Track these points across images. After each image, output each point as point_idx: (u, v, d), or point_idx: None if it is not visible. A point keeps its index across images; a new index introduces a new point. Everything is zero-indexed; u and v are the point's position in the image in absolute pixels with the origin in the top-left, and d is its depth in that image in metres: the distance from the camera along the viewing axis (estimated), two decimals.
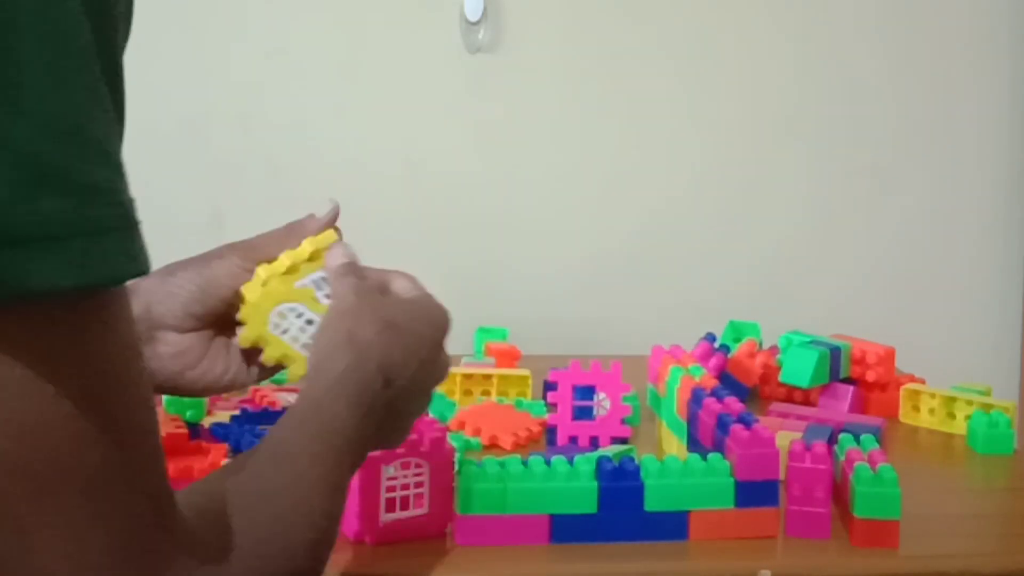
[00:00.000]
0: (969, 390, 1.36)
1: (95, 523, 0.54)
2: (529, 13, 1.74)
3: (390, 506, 0.97)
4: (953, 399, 1.34)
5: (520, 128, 1.77)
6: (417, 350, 0.78)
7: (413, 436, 0.97)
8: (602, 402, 1.23)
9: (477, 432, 1.24)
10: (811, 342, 1.39)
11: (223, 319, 0.85)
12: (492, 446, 1.23)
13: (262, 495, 0.66)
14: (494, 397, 1.34)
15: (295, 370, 0.83)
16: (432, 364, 0.80)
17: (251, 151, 1.73)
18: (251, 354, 0.85)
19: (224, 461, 1.09)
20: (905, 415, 1.37)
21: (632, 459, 1.02)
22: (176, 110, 1.69)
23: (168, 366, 0.83)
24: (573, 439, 1.23)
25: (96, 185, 0.51)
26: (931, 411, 1.35)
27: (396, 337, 0.76)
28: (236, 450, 1.15)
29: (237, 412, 1.25)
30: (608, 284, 1.79)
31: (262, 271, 0.84)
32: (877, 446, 1.08)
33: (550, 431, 1.24)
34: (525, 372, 1.38)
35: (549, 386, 1.27)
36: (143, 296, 0.81)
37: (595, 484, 0.99)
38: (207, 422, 1.22)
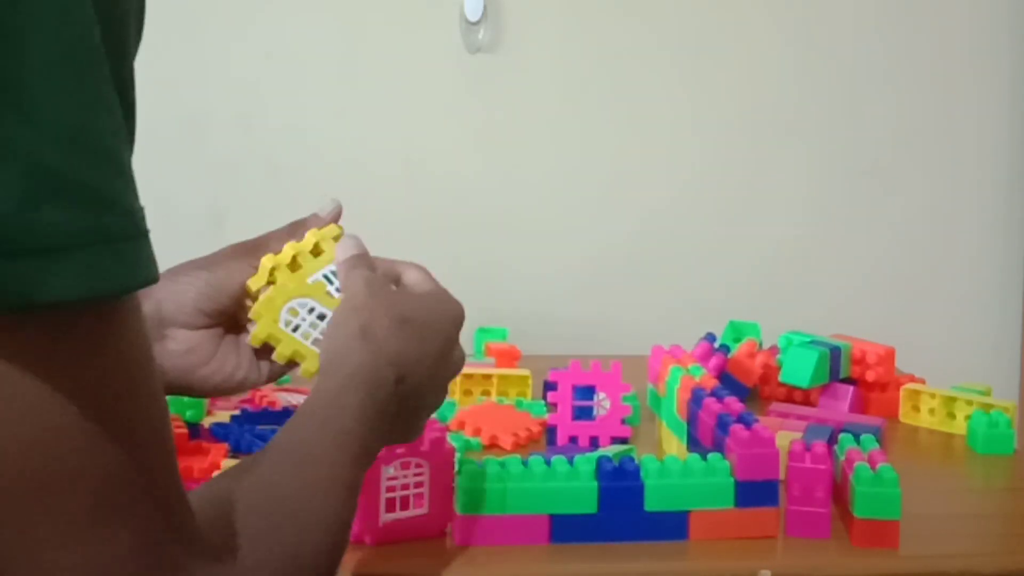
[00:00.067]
0: (969, 390, 1.36)
1: (108, 532, 0.53)
2: (529, 13, 1.74)
3: (390, 506, 0.97)
4: (953, 399, 1.34)
5: (520, 128, 1.77)
6: (431, 345, 0.78)
7: None
8: (602, 402, 1.23)
9: (477, 432, 1.24)
10: (811, 342, 1.39)
11: (233, 318, 0.85)
12: (492, 446, 1.23)
13: (278, 498, 0.65)
14: (494, 397, 1.34)
15: (307, 367, 0.83)
16: (446, 359, 0.80)
17: (251, 151, 1.73)
18: (262, 353, 0.85)
19: (224, 461, 1.09)
20: (905, 415, 1.37)
21: (632, 459, 1.02)
22: (176, 110, 1.68)
23: (178, 364, 0.83)
24: (573, 439, 1.23)
25: (106, 195, 0.51)
26: (931, 411, 1.35)
27: (410, 332, 0.76)
28: (236, 450, 1.15)
29: (237, 412, 1.25)
30: (608, 284, 1.79)
31: (267, 261, 0.84)
32: (877, 446, 1.08)
33: (550, 431, 1.24)
34: (525, 372, 1.37)
35: (549, 386, 1.27)
36: (153, 294, 0.80)
37: (595, 484, 0.99)
38: (207, 422, 1.22)
